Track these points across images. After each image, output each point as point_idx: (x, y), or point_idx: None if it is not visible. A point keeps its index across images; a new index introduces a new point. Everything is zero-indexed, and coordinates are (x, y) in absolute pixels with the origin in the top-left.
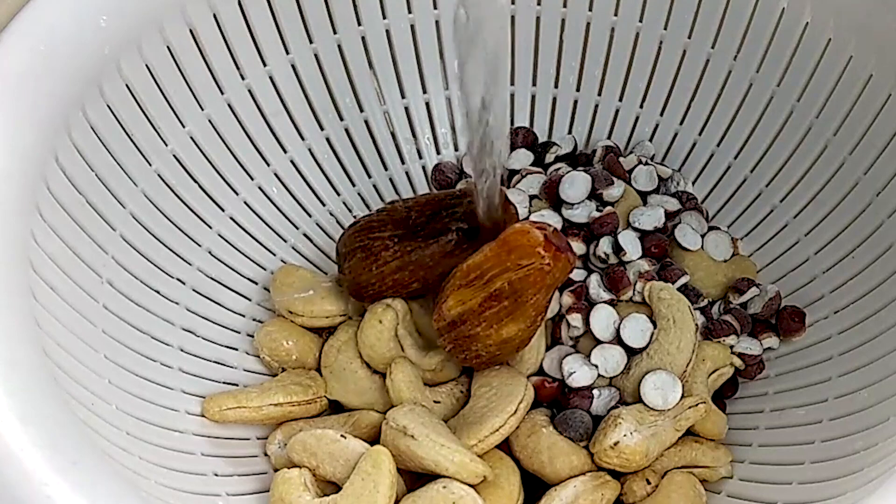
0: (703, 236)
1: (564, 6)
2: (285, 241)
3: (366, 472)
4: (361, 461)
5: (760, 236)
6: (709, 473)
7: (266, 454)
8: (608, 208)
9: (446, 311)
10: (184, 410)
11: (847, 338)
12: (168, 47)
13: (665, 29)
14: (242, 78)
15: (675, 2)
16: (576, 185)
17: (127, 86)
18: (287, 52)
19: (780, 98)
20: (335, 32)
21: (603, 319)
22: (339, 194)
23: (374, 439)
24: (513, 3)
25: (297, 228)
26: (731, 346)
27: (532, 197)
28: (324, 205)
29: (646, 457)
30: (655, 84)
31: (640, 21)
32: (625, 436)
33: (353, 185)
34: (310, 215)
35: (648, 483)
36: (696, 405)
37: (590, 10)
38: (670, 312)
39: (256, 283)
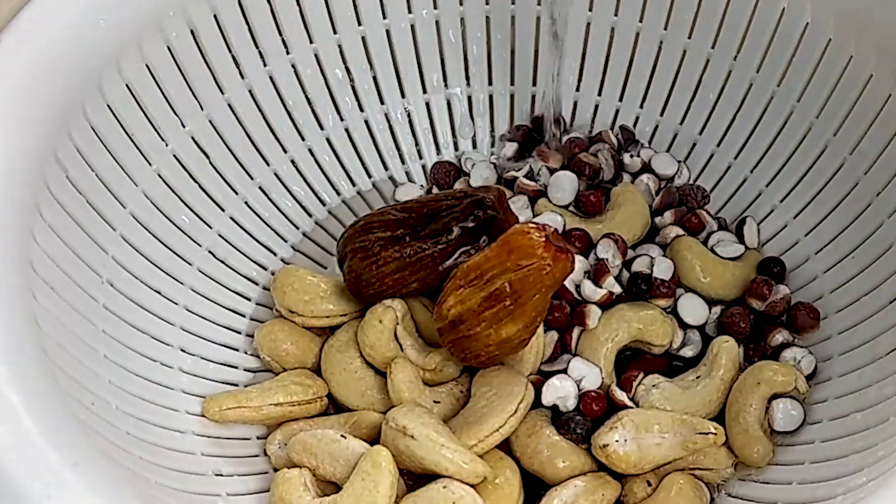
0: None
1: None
2: (285, 240)
3: (366, 472)
4: (361, 461)
5: (760, 236)
6: (710, 475)
7: (266, 454)
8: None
9: (446, 311)
10: (184, 410)
11: (847, 338)
12: (168, 47)
13: (665, 29)
14: (242, 78)
15: (675, 2)
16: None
17: (127, 86)
18: (287, 52)
19: (780, 98)
20: (335, 32)
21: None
22: (339, 194)
23: (374, 439)
24: (513, 3)
25: (297, 228)
26: (795, 359)
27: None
28: (324, 204)
29: (634, 466)
30: (655, 84)
31: (641, 21)
32: (616, 441)
33: (354, 184)
34: (310, 215)
35: (649, 485)
36: (707, 433)
37: (590, 10)
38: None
39: (257, 284)
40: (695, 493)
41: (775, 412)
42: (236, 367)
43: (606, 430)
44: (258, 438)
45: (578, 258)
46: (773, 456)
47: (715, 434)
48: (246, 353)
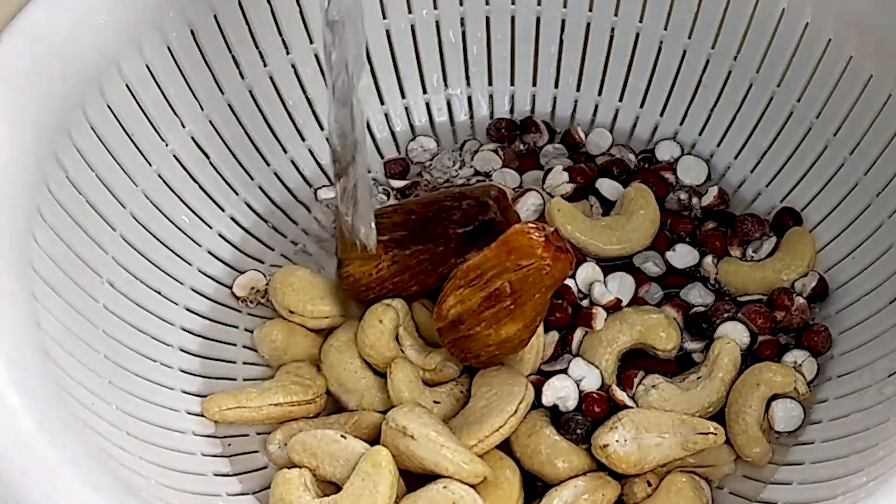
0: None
1: (564, 6)
2: (285, 238)
3: (366, 472)
4: (361, 461)
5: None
6: (711, 472)
7: (266, 454)
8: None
9: (446, 311)
10: (184, 410)
11: (847, 338)
12: (168, 47)
13: (665, 29)
14: (242, 78)
15: (675, 2)
16: None
17: (127, 86)
18: (287, 52)
19: (780, 98)
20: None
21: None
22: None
23: (374, 439)
24: (513, 3)
25: (296, 225)
26: (795, 362)
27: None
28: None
29: (634, 466)
30: (655, 84)
31: (640, 21)
32: (616, 441)
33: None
34: (310, 212)
35: (649, 485)
36: (707, 433)
37: (590, 10)
38: None
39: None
40: (695, 493)
41: (776, 412)
42: (236, 367)
43: (606, 429)
44: (258, 435)
45: (590, 261)
46: (772, 456)
47: (715, 434)
48: (246, 352)
